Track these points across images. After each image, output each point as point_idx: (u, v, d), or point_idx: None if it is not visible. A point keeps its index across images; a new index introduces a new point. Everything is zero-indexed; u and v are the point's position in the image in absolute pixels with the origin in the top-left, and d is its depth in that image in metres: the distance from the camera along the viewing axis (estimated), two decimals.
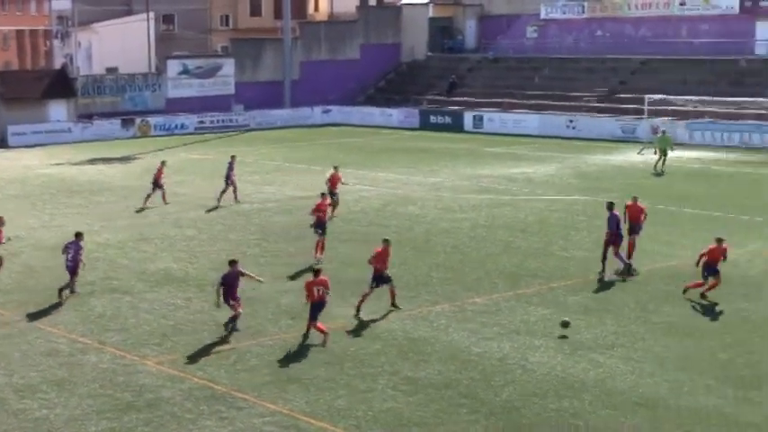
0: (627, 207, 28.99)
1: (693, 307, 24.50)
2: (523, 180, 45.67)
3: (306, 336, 22.20)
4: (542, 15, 77.66)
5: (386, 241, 24.60)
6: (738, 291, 25.74)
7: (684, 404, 18.33)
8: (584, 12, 75.31)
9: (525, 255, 30.51)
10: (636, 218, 28.79)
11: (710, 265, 24.92)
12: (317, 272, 22.53)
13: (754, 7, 66.01)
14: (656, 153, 48.33)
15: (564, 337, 22.33)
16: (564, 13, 76.63)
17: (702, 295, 24.99)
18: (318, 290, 22.04)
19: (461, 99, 72.67)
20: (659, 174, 46.51)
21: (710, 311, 24.13)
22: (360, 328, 23.22)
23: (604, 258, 27.71)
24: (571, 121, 63.90)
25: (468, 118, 68.82)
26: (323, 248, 29.99)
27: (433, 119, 70.83)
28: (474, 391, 19.16)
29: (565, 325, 22.75)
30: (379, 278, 24.22)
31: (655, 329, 22.82)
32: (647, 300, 25.21)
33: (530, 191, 42.57)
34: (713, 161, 50.83)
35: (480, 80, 76.02)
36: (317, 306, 22.07)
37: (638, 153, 53.70)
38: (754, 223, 34.65)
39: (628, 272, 27.58)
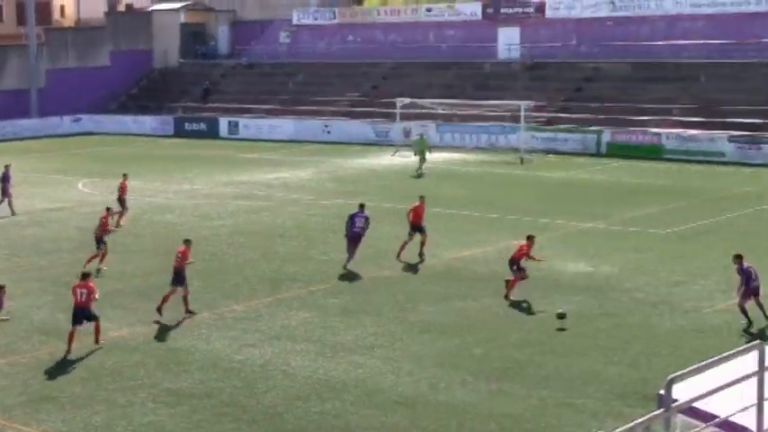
0: (413, 208, 30.52)
1: (449, 305, 25.27)
2: (281, 185, 45.86)
3: (68, 348, 21.55)
4: (294, 21, 78.22)
5: (186, 241, 24.91)
6: (490, 287, 26.73)
7: (443, 399, 18.89)
8: (335, 17, 76.36)
9: (284, 260, 30.66)
10: (420, 217, 30.33)
11: (516, 261, 25.82)
12: (84, 275, 22.07)
13: (496, 14, 68.79)
14: (415, 155, 49.50)
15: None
16: (315, 19, 77.44)
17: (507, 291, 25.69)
18: (82, 294, 21.51)
19: (216, 105, 72.18)
20: (418, 176, 47.68)
21: (464, 309, 24.94)
22: (119, 340, 22.70)
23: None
24: (326, 126, 64.66)
25: (223, 124, 68.47)
26: (103, 258, 29.36)
27: (187, 126, 70.04)
28: (237, 398, 19.09)
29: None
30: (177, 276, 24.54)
31: (412, 328, 23.40)
32: (405, 300, 25.83)
33: (287, 196, 42.78)
34: (464, 162, 52.61)
35: (235, 86, 75.76)
36: (79, 311, 21.57)
37: (392, 155, 54.96)
38: (504, 221, 36.06)
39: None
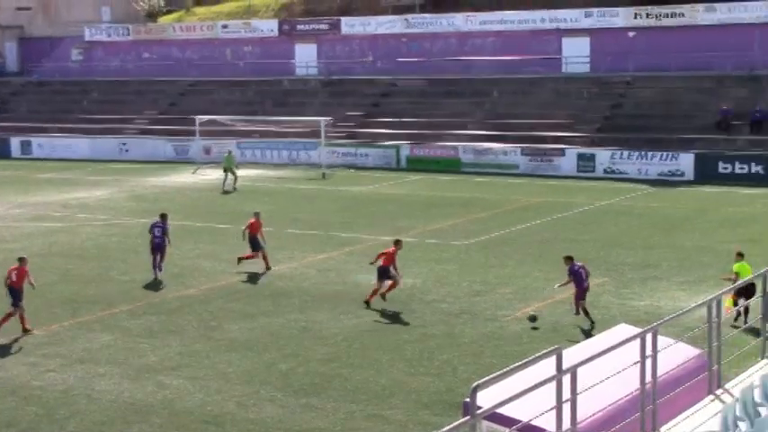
0: (250, 224, 30.73)
1: (254, 322, 25.17)
2: (78, 205, 44.66)
3: None
4: (87, 38, 76.42)
5: (20, 260, 24.82)
6: (294, 302, 26.81)
7: (252, 417, 18.80)
8: (129, 34, 75.01)
9: (84, 281, 29.88)
10: (258, 231, 30.75)
11: (385, 268, 26.03)
12: None
13: (292, 31, 69.12)
14: (224, 171, 49.30)
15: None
16: (109, 36, 75.89)
17: (380, 297, 26.04)
18: None
19: (7, 125, 69.54)
20: (227, 192, 47.69)
21: (270, 325, 24.90)
22: None
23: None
24: (124, 144, 63.39)
25: (15, 144, 66.13)
26: None
27: None
28: (38, 426, 18.47)
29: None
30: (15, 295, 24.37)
31: (218, 347, 23.21)
32: (210, 318, 25.59)
33: (85, 216, 41.70)
34: (265, 179, 52.53)
35: (26, 104, 73.33)
36: None
37: (193, 173, 54.40)
38: (307, 236, 36.20)
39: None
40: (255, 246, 30.90)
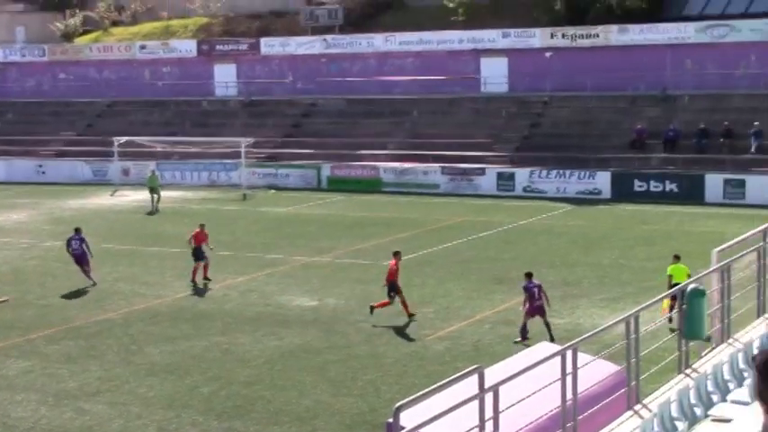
0: (195, 235, 31.71)
1: (175, 345, 24.94)
2: None
3: None
4: (1, 58, 75.18)
5: None
6: (216, 325, 26.63)
7: None
8: (44, 55, 73.98)
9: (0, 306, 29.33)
10: (204, 241, 31.66)
11: (392, 282, 26.46)
12: None
13: (211, 51, 68.80)
14: (151, 192, 49.35)
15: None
16: (24, 56, 74.74)
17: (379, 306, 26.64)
18: None
19: None
20: (153, 212, 47.71)
21: (191, 348, 24.69)
22: None
23: None
24: (40, 166, 62.44)
25: None
26: None
27: None
28: None
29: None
30: None
31: (139, 371, 22.95)
32: (130, 342, 25.29)
33: (1, 240, 40.96)
34: (186, 200, 52.13)
35: None
36: None
37: (112, 195, 53.80)
38: (229, 258, 35.95)
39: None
40: (199, 256, 31.40)
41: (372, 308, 26.61)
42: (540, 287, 24.51)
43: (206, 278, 31.55)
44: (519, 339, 24.08)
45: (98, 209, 49.88)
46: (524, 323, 24.31)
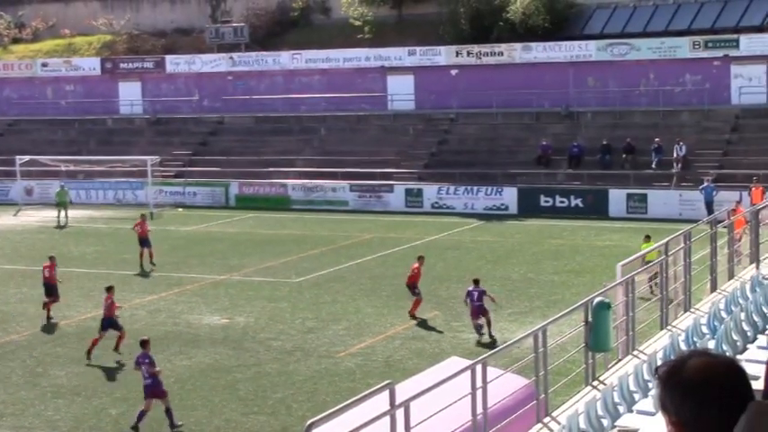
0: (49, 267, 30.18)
1: (81, 366, 24.55)
2: None
3: None
4: None
5: None
6: (124, 345, 26.28)
7: None
8: None
9: None
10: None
11: (413, 284, 28.63)
12: None
13: (116, 69, 67.99)
14: (58, 207, 49.25)
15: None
16: None
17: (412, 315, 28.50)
18: None
19: None
20: (62, 227, 47.57)
21: (99, 369, 24.33)
22: None
23: None
24: None
25: None
26: None
27: None
28: None
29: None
30: None
31: (45, 393, 22.57)
32: (35, 364, 24.86)
33: None
34: (92, 219, 51.38)
35: None
36: None
37: (15, 215, 52.80)
38: (137, 278, 35.55)
39: None
40: (51, 291, 29.84)
41: (412, 315, 28.36)
42: (482, 292, 25.81)
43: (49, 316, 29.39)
44: (478, 336, 25.80)
45: (1, 229, 48.87)
46: (474, 324, 25.92)
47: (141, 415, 20.14)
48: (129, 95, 67.22)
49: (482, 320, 25.85)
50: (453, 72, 58.82)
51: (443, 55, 59.57)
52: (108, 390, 22.72)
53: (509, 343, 16.22)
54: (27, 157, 56.45)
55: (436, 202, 50.97)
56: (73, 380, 23.54)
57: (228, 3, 73.63)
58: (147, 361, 20.63)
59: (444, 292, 31.88)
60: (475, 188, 50.64)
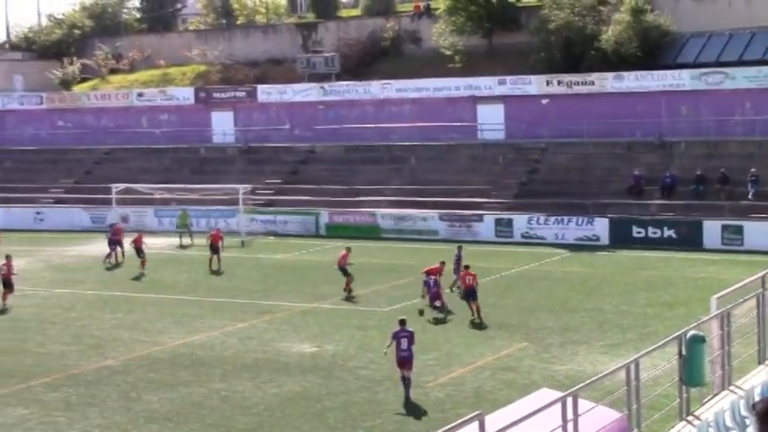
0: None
1: (174, 392, 24.86)
2: None
3: None
4: None
5: None
6: (215, 372, 26.58)
7: None
8: (42, 103, 74.32)
9: None
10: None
11: (469, 291, 32.25)
12: None
13: (209, 99, 69.14)
14: (177, 228, 51.86)
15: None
16: (22, 104, 75.10)
17: (478, 315, 31.98)
18: None
19: None
20: (185, 247, 49.92)
21: (190, 395, 24.61)
22: None
23: None
24: (38, 214, 62.51)
25: None
26: None
27: None
28: None
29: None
30: None
31: (138, 418, 22.90)
32: (129, 389, 25.24)
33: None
34: (186, 247, 52.12)
35: None
36: None
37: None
38: (227, 305, 35.95)
39: None
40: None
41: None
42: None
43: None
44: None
45: (96, 255, 49.69)
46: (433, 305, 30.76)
47: (403, 380, 23.80)
48: (222, 124, 68.27)
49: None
50: (544, 101, 58.59)
51: (534, 84, 59.38)
52: (199, 416, 22.95)
53: (601, 375, 16.01)
54: (123, 185, 57.58)
55: (526, 232, 50.63)
56: (165, 405, 23.84)
57: (320, 33, 74.49)
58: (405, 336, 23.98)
59: (534, 322, 31.64)
60: (565, 218, 50.20)
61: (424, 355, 27.76)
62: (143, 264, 44.01)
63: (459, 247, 38.61)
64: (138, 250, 44.63)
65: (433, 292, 33.78)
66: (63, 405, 24.00)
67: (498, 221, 51.67)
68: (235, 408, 23.51)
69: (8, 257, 37.20)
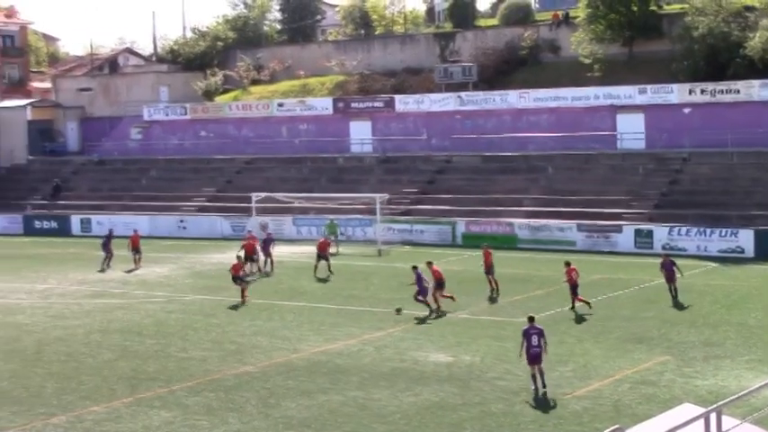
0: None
1: (312, 399, 25.12)
2: (137, 282, 45.14)
3: None
4: (146, 117, 77.87)
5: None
6: (352, 380, 26.75)
7: None
8: (186, 113, 76.30)
9: (143, 358, 30.06)
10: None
11: (574, 286, 34.98)
12: None
13: (347, 109, 69.87)
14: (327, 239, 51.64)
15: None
16: (167, 115, 77.26)
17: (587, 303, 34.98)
18: None
19: (67, 203, 70.84)
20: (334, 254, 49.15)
21: (328, 403, 24.82)
22: None
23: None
24: (182, 222, 64.11)
25: (75, 222, 67.19)
26: None
27: (37, 224, 68.49)
28: None
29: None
30: None
31: (277, 424, 23.20)
32: (268, 395, 25.59)
33: (144, 293, 42.11)
34: (332, 255, 52.56)
35: (86, 183, 74.60)
36: None
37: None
38: (364, 313, 36.20)
39: None
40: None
41: (580, 306, 35.04)
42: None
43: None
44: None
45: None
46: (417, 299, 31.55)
47: (533, 378, 24.80)
48: (360, 134, 68.90)
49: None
50: (686, 110, 57.42)
51: (676, 93, 58.24)
52: (337, 423, 23.11)
53: (746, 391, 15.54)
54: (262, 194, 58.56)
55: (667, 244, 49.43)
56: (303, 412, 24.09)
57: (457, 42, 74.52)
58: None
59: (676, 336, 30.93)
60: (708, 230, 48.90)
61: (562, 367, 27.44)
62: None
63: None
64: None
65: (422, 288, 35.52)
66: (204, 409, 24.48)
67: (638, 232, 50.68)
68: (372, 416, 23.60)
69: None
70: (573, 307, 35.09)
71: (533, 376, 24.88)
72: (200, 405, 24.84)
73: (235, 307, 37.85)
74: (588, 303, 35.14)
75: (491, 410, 23.73)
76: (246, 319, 35.41)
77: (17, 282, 46.14)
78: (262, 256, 46.97)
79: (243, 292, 38.78)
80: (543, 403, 24.18)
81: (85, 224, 66.49)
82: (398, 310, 35.29)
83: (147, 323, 35.62)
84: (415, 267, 36.01)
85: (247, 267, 43.56)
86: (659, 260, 39.36)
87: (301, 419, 23.48)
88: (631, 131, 59.29)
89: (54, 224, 67.93)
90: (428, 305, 35.26)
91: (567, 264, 35.96)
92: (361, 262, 50.20)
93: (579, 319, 34.10)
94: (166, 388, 26.52)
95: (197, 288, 42.90)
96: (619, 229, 51.33)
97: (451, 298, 36.23)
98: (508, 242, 53.11)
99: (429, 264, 37.08)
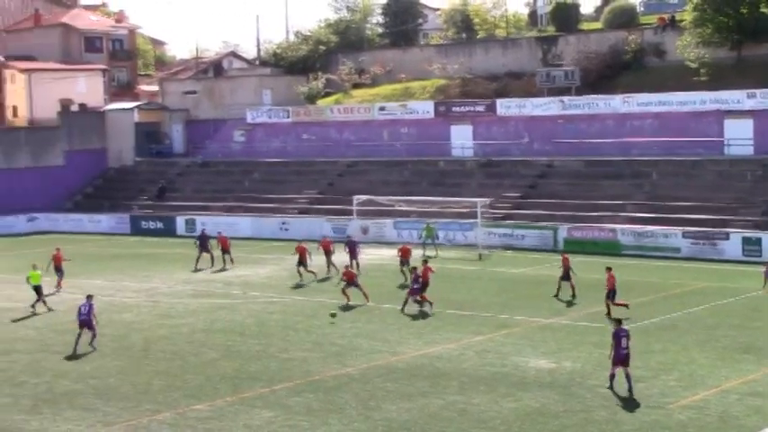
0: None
1: (412, 402, 25.10)
2: (240, 283, 45.68)
3: None
4: (249, 120, 78.93)
5: None
6: (452, 384, 26.67)
7: None
8: (289, 116, 77.09)
9: (245, 358, 30.40)
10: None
11: (612, 290, 35.39)
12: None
13: (448, 112, 69.80)
14: (422, 241, 53.39)
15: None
16: (270, 118, 78.18)
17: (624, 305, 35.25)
18: None
19: (173, 204, 72.15)
20: (433, 257, 48.93)
21: (428, 406, 24.77)
22: None
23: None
24: (284, 223, 64.70)
25: (180, 222, 68.37)
26: None
27: (144, 224, 69.89)
28: None
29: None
30: None
31: (377, 426, 23.23)
32: (368, 397, 25.65)
33: (247, 293, 42.59)
34: (431, 258, 52.52)
35: (191, 184, 75.86)
36: None
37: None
38: (464, 318, 36.08)
39: None
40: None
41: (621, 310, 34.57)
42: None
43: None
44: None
45: (337, 265, 50.91)
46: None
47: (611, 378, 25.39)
48: (461, 138, 68.78)
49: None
50: None
51: None
52: (437, 427, 23.04)
53: None
54: (364, 197, 58.77)
55: None
56: (403, 415, 24.08)
57: (560, 46, 73.90)
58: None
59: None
60: None
61: (666, 375, 26.99)
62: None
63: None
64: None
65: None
66: (305, 410, 24.64)
67: (746, 240, 49.50)
68: (472, 421, 23.49)
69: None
70: (609, 313, 34.98)
71: (612, 376, 25.44)
72: (300, 405, 25.02)
73: (347, 308, 38.06)
74: (626, 305, 35.53)
75: (593, 418, 23.43)
76: (347, 321, 35.57)
77: (124, 280, 47.08)
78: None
79: (365, 296, 39.07)
80: (646, 412, 23.77)
81: (190, 225, 67.57)
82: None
83: (249, 323, 36.03)
84: (414, 269, 38.76)
85: (314, 268, 45.92)
86: (762, 269, 38.47)
87: (401, 422, 23.48)
88: (739, 137, 58.06)
89: (160, 224, 69.23)
90: (427, 301, 37.24)
91: (608, 269, 36.31)
92: (462, 266, 50.03)
93: (683, 327, 33.47)
94: (268, 388, 26.78)
95: (299, 290, 43.23)
96: (726, 237, 50.23)
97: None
98: (611, 248, 52.40)
99: (424, 262, 39.58)
